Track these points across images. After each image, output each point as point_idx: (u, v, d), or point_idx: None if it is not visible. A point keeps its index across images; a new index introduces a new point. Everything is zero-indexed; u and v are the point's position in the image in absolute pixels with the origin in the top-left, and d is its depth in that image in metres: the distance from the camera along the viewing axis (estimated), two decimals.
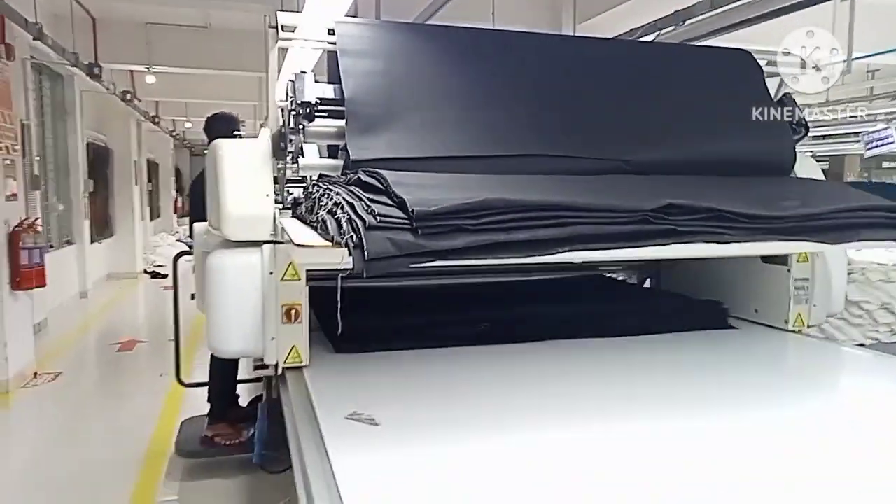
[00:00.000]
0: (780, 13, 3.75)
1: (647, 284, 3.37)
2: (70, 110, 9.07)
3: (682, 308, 2.80)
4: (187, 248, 3.70)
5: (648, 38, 4.70)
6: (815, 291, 2.41)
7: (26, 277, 5.28)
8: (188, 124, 15.48)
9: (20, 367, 5.33)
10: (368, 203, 1.56)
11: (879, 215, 1.94)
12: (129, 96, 9.55)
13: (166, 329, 7.50)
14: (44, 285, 5.54)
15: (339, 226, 1.54)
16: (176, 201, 18.77)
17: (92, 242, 9.87)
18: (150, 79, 9.24)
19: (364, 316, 2.33)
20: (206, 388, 3.80)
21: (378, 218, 1.50)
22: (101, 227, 10.95)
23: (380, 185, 1.68)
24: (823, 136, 14.23)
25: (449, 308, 2.63)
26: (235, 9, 7.29)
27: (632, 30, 5.05)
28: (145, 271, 11.74)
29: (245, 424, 3.45)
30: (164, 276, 11.47)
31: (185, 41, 8.42)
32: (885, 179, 15.15)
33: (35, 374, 5.46)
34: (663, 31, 4.64)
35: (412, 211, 1.49)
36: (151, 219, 15.39)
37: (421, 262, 1.49)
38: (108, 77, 8.83)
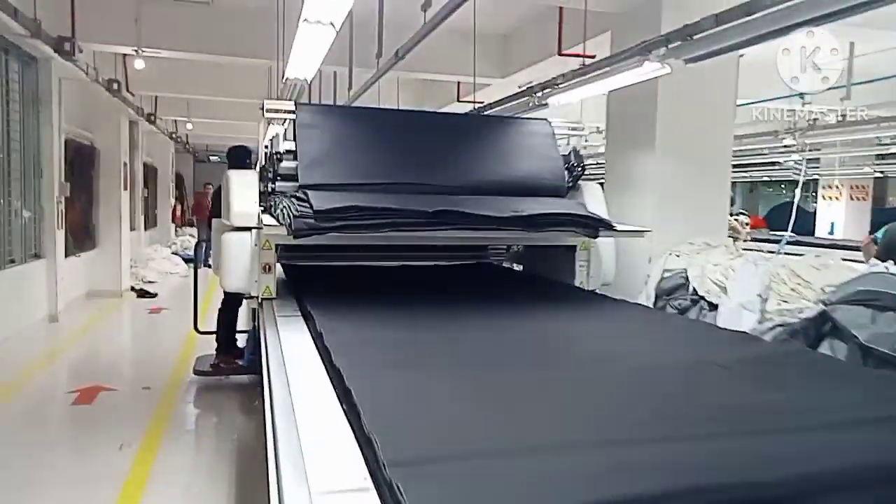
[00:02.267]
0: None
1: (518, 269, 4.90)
2: (45, 100, 7.61)
3: None
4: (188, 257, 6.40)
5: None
6: (591, 268, 3.95)
7: None
8: (189, 125, 14.02)
9: None
10: (297, 206, 3.14)
11: (568, 219, 3.43)
12: (116, 86, 8.10)
13: (142, 370, 6.07)
14: None
15: (283, 216, 3.14)
16: (175, 210, 17.17)
17: (67, 256, 8.37)
18: (140, 63, 7.80)
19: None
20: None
21: (299, 212, 3.07)
22: (82, 238, 9.47)
23: (304, 197, 3.24)
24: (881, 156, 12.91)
25: None
26: None
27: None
28: (132, 288, 10.26)
29: (241, 358, 5.45)
30: (154, 296, 10.03)
31: (181, 19, 7.02)
32: None
33: None
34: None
35: (314, 209, 3.06)
36: (146, 229, 13.91)
37: (320, 234, 3.03)
38: (89, 61, 7.41)
